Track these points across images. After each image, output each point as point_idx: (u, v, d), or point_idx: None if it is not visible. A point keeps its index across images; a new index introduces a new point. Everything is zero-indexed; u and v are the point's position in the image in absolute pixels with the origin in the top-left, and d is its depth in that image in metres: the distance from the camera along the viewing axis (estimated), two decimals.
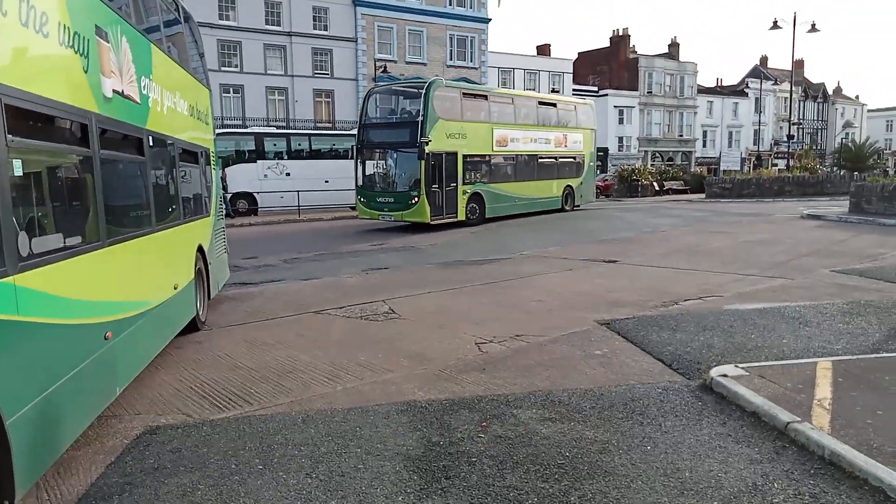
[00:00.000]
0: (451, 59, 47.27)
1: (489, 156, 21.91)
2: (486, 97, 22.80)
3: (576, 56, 60.81)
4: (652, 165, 52.32)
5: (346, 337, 7.08)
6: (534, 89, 52.89)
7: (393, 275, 11.62)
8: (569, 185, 26.44)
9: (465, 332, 7.10)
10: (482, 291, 9.64)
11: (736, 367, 5.33)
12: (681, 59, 63.05)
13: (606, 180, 46.47)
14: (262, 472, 3.79)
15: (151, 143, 5.91)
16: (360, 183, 20.80)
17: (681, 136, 62.63)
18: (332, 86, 42.25)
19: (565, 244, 15.58)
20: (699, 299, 8.59)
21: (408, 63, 45.15)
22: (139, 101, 5.59)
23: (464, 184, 20.44)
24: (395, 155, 20.28)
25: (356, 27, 42.89)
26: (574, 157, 26.78)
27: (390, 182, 20.54)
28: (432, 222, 19.37)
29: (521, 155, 23.70)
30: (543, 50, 57.47)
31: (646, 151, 60.28)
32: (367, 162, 20.95)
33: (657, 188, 42.00)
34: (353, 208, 29.65)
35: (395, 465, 3.84)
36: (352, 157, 29.64)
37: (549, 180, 25.31)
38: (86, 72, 4.35)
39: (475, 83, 48.12)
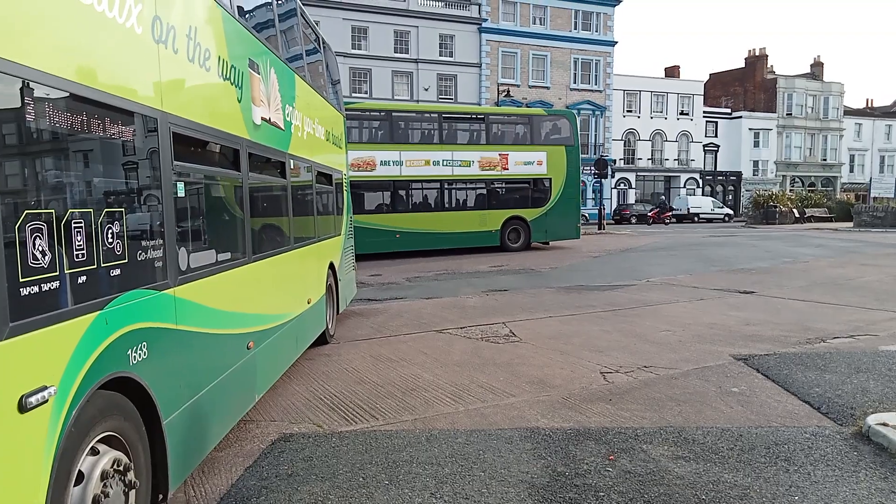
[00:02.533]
0: (574, 83, 46.93)
1: (361, 181, 18.49)
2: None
3: (707, 77, 58.32)
4: (791, 191, 48.91)
5: (466, 357, 7.10)
6: (661, 112, 51.29)
7: (513, 297, 11.56)
8: (517, 218, 21.45)
9: (588, 360, 6.90)
10: (605, 318, 9.35)
11: None
12: (825, 79, 58.79)
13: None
14: (388, 487, 3.85)
15: (292, 167, 6.28)
16: None
17: (824, 160, 58.27)
18: None
19: (695, 272, 14.84)
20: (850, 338, 7.84)
21: (531, 87, 45.36)
22: (283, 128, 5.96)
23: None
24: None
25: (480, 53, 43.71)
26: (528, 183, 21.70)
27: None
28: None
29: (412, 181, 20.05)
30: (672, 72, 55.63)
31: (783, 176, 56.57)
32: None
33: (797, 215, 39.20)
34: None
35: (519, 493, 3.76)
36: None
37: (474, 211, 20.98)
38: (239, 101, 4.70)
39: (599, 106, 47.46)
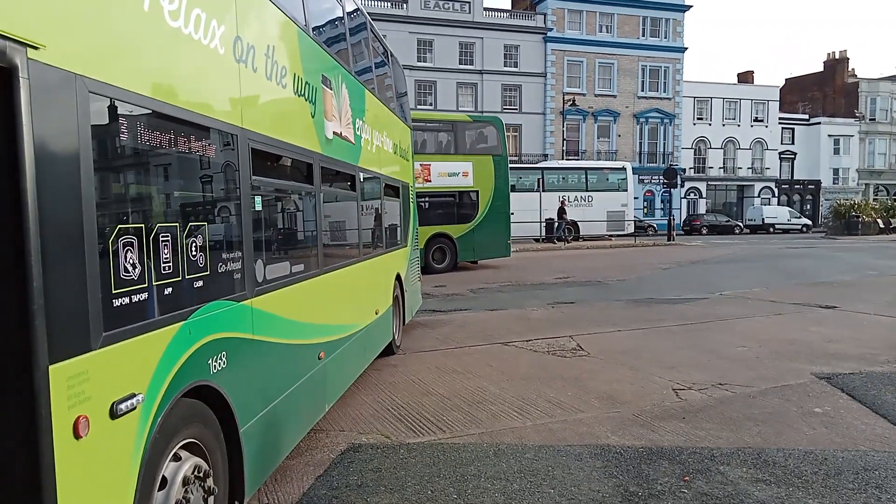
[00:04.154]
0: (642, 90, 46.11)
1: None
2: None
3: (783, 83, 56.03)
4: (874, 200, 46.38)
5: (533, 371, 7.02)
6: (734, 119, 49.70)
7: (579, 309, 11.38)
8: (442, 235, 18.77)
9: (659, 376, 6.70)
10: (676, 333, 9.08)
11: None
12: None
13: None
14: (456, 501, 3.83)
15: (362, 179, 6.39)
16: None
17: None
18: (520, 120, 43.10)
19: (772, 285, 14.23)
20: None
21: (597, 95, 44.85)
22: (353, 142, 6.07)
23: None
24: None
25: (545, 62, 43.54)
26: (453, 197, 19.18)
27: None
28: None
29: None
30: (745, 77, 53.80)
31: (866, 184, 53.75)
32: None
33: (881, 226, 37.09)
34: (536, 240, 29.94)
35: None
36: (536, 190, 30.03)
37: None
38: (313, 116, 4.82)
39: (668, 114, 46.38)
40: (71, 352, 2.11)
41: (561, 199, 29.84)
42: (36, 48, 1.98)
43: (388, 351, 7.65)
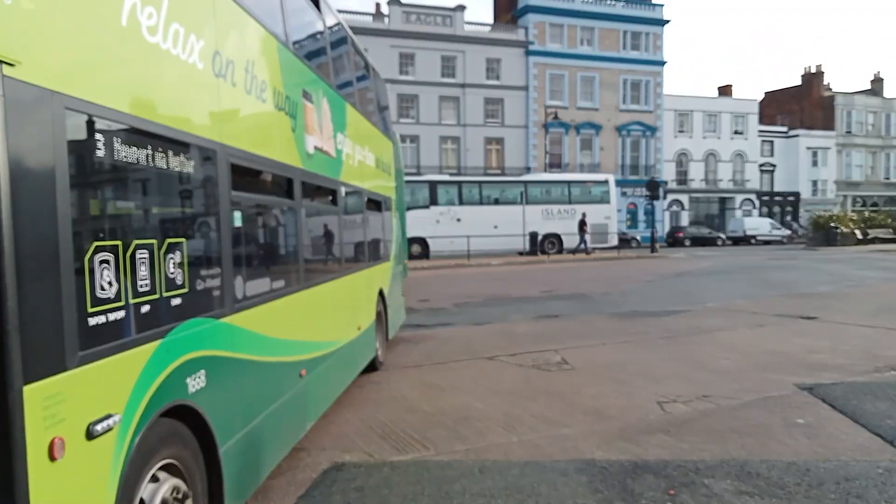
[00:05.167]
0: (624, 103, 46.58)
1: None
2: None
3: (762, 96, 56.90)
4: (853, 211, 47.12)
5: (518, 386, 6.99)
6: (714, 132, 50.37)
7: (564, 323, 11.39)
8: None
9: (644, 389, 6.70)
10: (660, 346, 9.11)
11: None
12: (885, 95, 56.74)
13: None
14: None
15: (343, 194, 6.36)
16: None
17: (887, 178, 56.09)
18: (503, 133, 43.34)
19: (754, 297, 14.36)
20: None
21: (579, 108, 45.23)
22: (334, 156, 6.05)
23: None
24: None
25: (528, 76, 43.86)
26: None
27: None
28: None
29: None
30: (725, 91, 54.59)
31: (844, 196, 54.60)
32: None
33: (859, 237, 37.68)
34: (521, 253, 30.03)
35: None
36: (520, 203, 30.12)
37: None
38: (293, 131, 4.79)
39: (650, 127, 46.90)
40: (46, 372, 2.07)
41: (582, 214, 30.10)
42: (11, 65, 1.95)
43: (372, 367, 7.59)
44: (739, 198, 52.16)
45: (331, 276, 5.88)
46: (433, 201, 28.97)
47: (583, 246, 30.02)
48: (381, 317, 8.25)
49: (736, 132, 51.56)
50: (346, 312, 6.46)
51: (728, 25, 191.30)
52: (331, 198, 6.06)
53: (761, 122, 53.61)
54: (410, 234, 26.74)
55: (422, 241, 28.33)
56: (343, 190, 6.34)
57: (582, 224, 29.83)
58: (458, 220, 28.64)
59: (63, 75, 2.21)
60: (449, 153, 42.11)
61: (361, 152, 7.41)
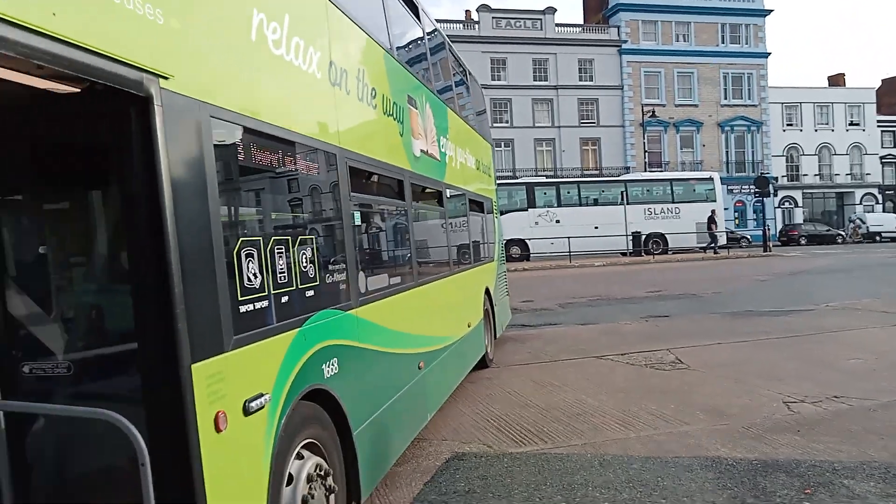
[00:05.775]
0: (725, 98, 44.53)
1: None
2: None
3: (879, 84, 52.52)
4: None
5: (630, 384, 6.84)
6: (827, 124, 47.18)
7: (675, 323, 11.03)
8: None
9: (766, 389, 6.38)
10: (781, 345, 8.63)
11: None
12: None
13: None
14: None
15: (448, 195, 6.49)
16: None
17: None
18: (598, 133, 42.56)
19: (883, 296, 13.32)
20: None
21: (677, 105, 43.73)
22: (439, 159, 6.19)
23: None
24: None
25: (621, 75, 42.87)
26: None
27: None
28: None
29: None
30: (837, 80, 50.79)
31: None
32: None
33: None
34: (623, 254, 29.29)
35: None
36: (620, 203, 29.45)
37: None
38: (401, 135, 4.97)
39: (755, 121, 44.56)
40: (208, 352, 2.26)
41: (711, 211, 29.37)
42: (166, 78, 2.16)
43: (482, 364, 7.67)
44: (859, 192, 48.45)
45: (441, 274, 6.02)
46: (531, 203, 28.87)
47: (713, 244, 28.93)
48: (489, 315, 8.32)
49: (852, 123, 48.00)
50: (457, 310, 6.57)
51: (837, 11, 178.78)
52: (437, 199, 6.21)
53: (879, 111, 49.56)
54: (509, 235, 26.82)
55: (521, 243, 28.29)
56: (448, 191, 6.47)
57: (711, 221, 28.86)
58: (558, 221, 28.37)
59: (207, 87, 2.42)
60: (544, 155, 41.80)
61: (463, 155, 7.53)
